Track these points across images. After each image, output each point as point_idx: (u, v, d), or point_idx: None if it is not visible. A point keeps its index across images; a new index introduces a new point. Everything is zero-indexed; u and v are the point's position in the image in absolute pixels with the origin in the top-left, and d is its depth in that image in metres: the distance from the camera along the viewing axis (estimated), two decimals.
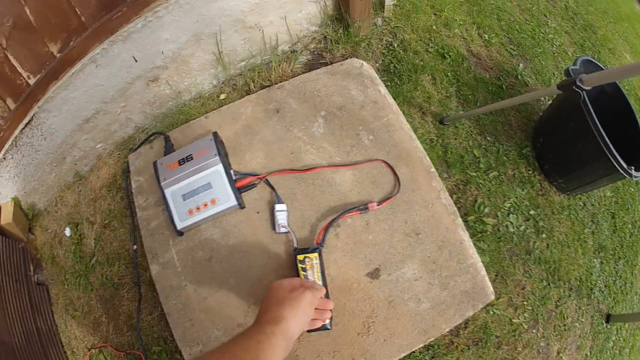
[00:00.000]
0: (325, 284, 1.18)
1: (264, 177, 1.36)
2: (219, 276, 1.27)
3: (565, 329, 2.22)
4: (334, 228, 1.31)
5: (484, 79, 2.77)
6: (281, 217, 1.28)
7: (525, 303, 2.17)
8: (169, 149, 1.40)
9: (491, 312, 2.08)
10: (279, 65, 2.29)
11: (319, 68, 1.63)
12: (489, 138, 2.51)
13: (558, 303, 2.25)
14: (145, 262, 1.48)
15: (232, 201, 1.26)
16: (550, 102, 2.73)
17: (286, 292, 0.91)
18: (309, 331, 1.13)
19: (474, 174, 2.34)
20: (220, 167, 1.27)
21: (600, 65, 2.40)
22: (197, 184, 1.26)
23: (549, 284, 2.26)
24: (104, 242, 2.08)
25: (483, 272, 1.35)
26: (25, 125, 1.78)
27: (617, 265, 2.59)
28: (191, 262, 1.29)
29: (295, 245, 1.25)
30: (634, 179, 2.12)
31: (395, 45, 2.63)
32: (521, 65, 2.98)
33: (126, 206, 2.09)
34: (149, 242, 1.33)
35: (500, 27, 3.25)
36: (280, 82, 1.65)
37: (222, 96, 2.28)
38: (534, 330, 2.14)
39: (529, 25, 3.49)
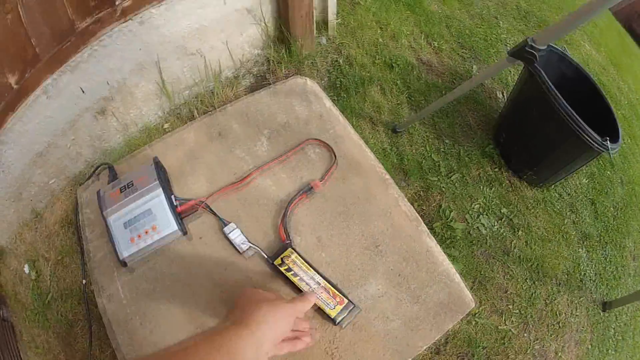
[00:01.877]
0: (322, 275, 1.12)
1: (204, 199, 1.30)
2: (164, 308, 1.20)
3: (560, 327, 2.08)
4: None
5: (436, 83, 2.73)
6: (237, 236, 1.22)
7: (510, 307, 2.03)
8: (112, 178, 1.37)
9: (474, 323, 1.93)
10: (222, 91, 2.27)
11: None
12: (447, 141, 2.43)
13: (547, 301, 2.11)
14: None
15: (173, 226, 1.22)
16: (509, 95, 2.65)
17: (263, 296, 0.79)
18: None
19: (435, 178, 2.25)
20: (160, 192, 1.23)
21: (557, 47, 2.38)
22: (138, 210, 1.23)
23: (534, 283, 2.13)
24: (59, 279, 2.05)
25: (457, 278, 1.26)
26: None
27: (605, 251, 2.47)
28: (136, 294, 1.22)
29: (265, 255, 1.18)
30: (611, 151, 2.00)
31: (341, 61, 2.60)
32: (475, 66, 2.95)
33: (77, 241, 2.05)
34: (95, 274, 1.27)
35: (450, 34, 3.25)
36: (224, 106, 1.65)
37: (166, 126, 2.25)
38: (525, 334, 1.99)
39: (481, 29, 3.51)
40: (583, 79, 2.39)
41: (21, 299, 2.06)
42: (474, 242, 2.11)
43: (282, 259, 1.15)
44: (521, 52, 1.62)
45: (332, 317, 1.09)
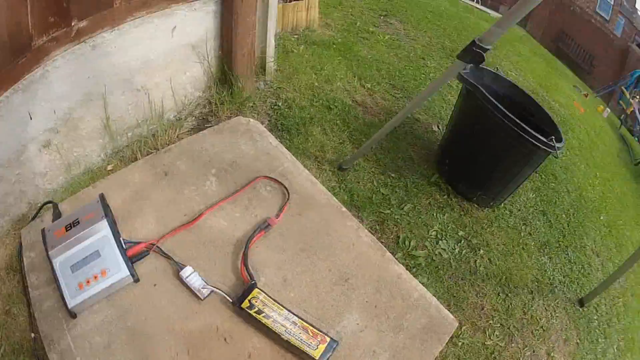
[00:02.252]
0: (296, 315, 1.08)
1: (156, 241, 1.24)
2: None
3: (543, 330, 2.06)
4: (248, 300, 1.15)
5: (373, 122, 2.80)
6: (196, 281, 1.15)
7: (491, 322, 1.97)
8: (57, 216, 1.31)
9: (460, 344, 1.84)
10: (165, 133, 2.20)
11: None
12: (393, 175, 2.45)
13: (525, 309, 2.10)
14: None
15: (124, 271, 1.14)
16: (448, 122, 2.77)
17: None
18: None
19: (388, 211, 2.23)
20: (107, 231, 1.17)
21: (489, 68, 2.56)
22: (85, 252, 1.15)
23: (507, 295, 2.11)
24: (8, 331, 1.80)
25: (435, 301, 1.26)
26: None
27: (567, 253, 2.55)
28: (89, 350, 1.10)
29: (230, 299, 1.11)
30: (558, 150, 2.09)
31: (280, 104, 2.62)
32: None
33: (22, 288, 1.85)
34: (43, 326, 1.17)
35: (381, 76, 3.41)
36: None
37: (110, 167, 2.14)
38: (513, 345, 1.94)
39: (409, 70, 3.71)
40: (517, 94, 2.55)
41: None
42: (438, 267, 2.07)
43: (249, 301, 1.08)
44: (469, 53, 1.69)
45: (316, 358, 1.02)
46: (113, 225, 1.20)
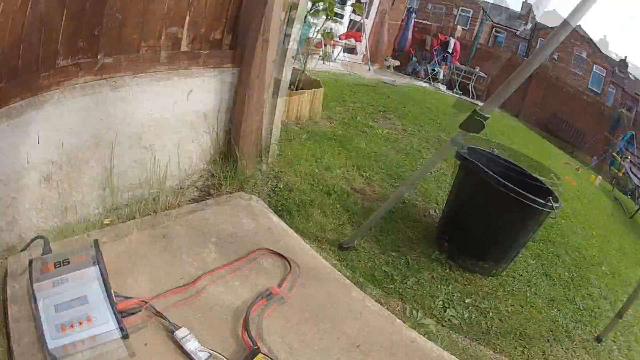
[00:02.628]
0: None
1: (150, 299, 1.17)
2: None
3: None
4: None
5: (372, 207, 2.94)
6: (192, 343, 1.08)
7: None
8: (46, 251, 1.26)
9: None
10: (166, 199, 2.17)
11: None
12: (393, 254, 2.53)
13: (545, 356, 2.13)
14: None
15: (111, 324, 1.05)
16: (446, 202, 2.93)
17: None
18: None
19: (392, 286, 2.28)
20: (98, 278, 1.11)
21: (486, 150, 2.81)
22: (72, 294, 1.07)
23: (524, 348, 2.13)
24: None
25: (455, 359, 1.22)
26: None
27: (575, 303, 2.62)
28: None
29: None
30: (555, 209, 2.27)
31: (281, 186, 2.77)
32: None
33: (3, 319, 1.73)
34: None
35: (378, 167, 3.64)
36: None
37: (107, 221, 2.05)
38: None
39: (406, 161, 3.97)
40: (513, 170, 2.75)
41: None
42: (450, 332, 2.08)
43: None
44: (470, 122, 1.88)
45: None
46: (104, 274, 1.13)
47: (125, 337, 1.08)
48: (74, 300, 1.08)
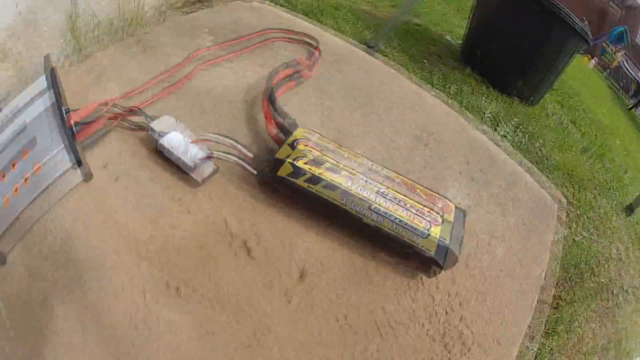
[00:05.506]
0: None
1: (115, 99, 0.91)
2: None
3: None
4: None
5: (384, 19, 2.50)
6: (187, 149, 0.72)
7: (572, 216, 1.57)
8: None
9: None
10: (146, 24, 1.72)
11: None
12: (425, 62, 2.21)
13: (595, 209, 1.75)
14: None
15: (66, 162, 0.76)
16: (470, 25, 2.57)
17: None
18: None
19: (433, 93, 1.85)
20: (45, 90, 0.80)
21: None
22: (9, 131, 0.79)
23: (575, 190, 1.77)
24: None
25: (529, 178, 1.15)
26: None
27: (603, 163, 2.30)
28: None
29: (252, 169, 0.69)
30: (591, 44, 2.19)
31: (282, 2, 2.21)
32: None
33: None
34: None
35: None
36: None
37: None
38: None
39: None
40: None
41: None
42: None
43: (292, 163, 0.65)
44: None
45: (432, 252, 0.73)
46: (57, 91, 0.82)
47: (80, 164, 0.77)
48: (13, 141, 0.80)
